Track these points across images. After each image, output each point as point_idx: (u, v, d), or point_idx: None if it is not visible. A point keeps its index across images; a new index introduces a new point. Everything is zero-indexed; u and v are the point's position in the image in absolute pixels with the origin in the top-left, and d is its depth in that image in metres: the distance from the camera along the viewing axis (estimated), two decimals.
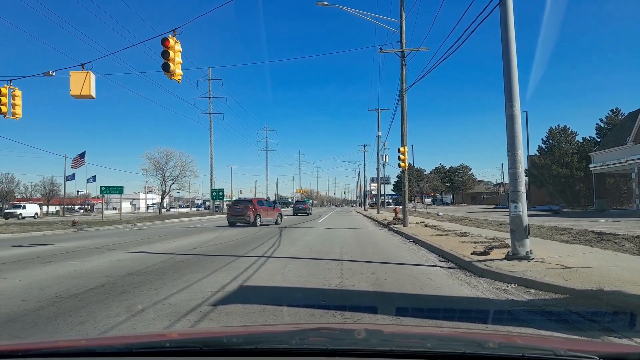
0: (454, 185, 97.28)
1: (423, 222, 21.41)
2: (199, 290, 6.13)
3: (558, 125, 50.90)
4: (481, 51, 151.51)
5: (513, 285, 6.11)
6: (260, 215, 22.82)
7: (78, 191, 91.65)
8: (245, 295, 5.89)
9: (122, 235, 18.20)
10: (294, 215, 40.49)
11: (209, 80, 60.58)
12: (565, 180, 47.02)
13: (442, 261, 9.00)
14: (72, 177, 64.74)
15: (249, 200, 25.18)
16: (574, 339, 2.90)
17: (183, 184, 61.51)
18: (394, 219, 23.97)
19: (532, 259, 7.53)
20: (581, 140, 49.96)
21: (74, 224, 26.90)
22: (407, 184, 20.90)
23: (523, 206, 7.87)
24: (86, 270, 8.23)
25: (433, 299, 5.60)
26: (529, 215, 8.10)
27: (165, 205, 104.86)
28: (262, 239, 14.85)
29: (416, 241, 13.07)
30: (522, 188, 8.03)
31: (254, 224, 22.04)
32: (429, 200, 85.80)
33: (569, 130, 50.28)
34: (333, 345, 1.55)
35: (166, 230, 21.78)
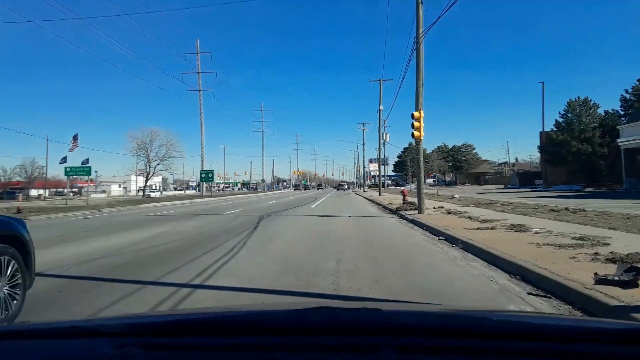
0: (457, 164, 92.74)
1: (442, 207, 17.01)
2: None
3: (578, 97, 46.06)
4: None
5: None
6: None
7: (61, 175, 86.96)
8: None
9: (58, 228, 13.78)
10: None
11: (197, 53, 56.19)
12: (586, 158, 42.57)
13: (530, 290, 4.67)
14: (64, 160, 60.19)
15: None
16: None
17: (169, 165, 57.03)
18: (403, 203, 19.61)
19: None
20: (603, 114, 45.27)
21: (19, 211, 22.57)
22: (422, 159, 16.27)
23: None
24: None
25: None
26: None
27: (158, 187, 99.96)
28: (223, 236, 10.43)
29: (450, 239, 8.75)
30: None
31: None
32: (430, 180, 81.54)
33: (591, 103, 45.42)
34: (332, 323, 1.45)
35: (121, 219, 17.43)
